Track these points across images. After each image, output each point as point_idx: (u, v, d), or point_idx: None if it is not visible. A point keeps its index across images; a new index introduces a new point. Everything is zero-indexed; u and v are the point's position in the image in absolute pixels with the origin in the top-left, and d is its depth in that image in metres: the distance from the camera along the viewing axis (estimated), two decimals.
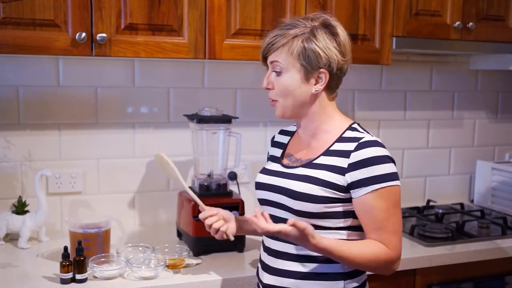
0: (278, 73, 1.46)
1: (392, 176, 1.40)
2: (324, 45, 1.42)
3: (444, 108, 2.81)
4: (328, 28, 1.45)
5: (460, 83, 2.82)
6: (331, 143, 1.47)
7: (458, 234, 2.25)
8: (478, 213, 2.54)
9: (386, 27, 2.20)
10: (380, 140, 1.44)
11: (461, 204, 2.71)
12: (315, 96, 1.47)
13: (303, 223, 1.33)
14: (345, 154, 1.42)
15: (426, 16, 2.27)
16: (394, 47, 2.23)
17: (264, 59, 1.50)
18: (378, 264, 1.41)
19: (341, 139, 1.46)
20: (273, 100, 1.49)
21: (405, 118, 2.74)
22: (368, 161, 1.39)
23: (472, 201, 2.87)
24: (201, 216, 1.49)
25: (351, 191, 1.41)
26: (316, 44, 1.42)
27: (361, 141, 1.42)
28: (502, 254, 2.16)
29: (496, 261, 2.15)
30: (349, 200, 1.43)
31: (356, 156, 1.40)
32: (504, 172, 2.69)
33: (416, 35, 2.26)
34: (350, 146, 1.42)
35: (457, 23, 2.30)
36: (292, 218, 1.35)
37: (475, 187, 2.85)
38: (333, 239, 1.40)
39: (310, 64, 1.42)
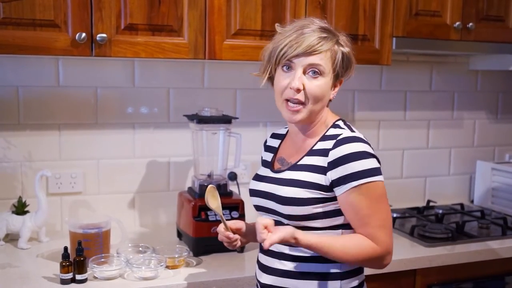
0: (315, 76, 1.41)
1: (372, 172, 1.38)
2: (352, 53, 1.48)
3: (444, 109, 2.81)
4: (346, 36, 1.49)
5: (460, 83, 2.82)
6: (315, 142, 1.47)
7: (458, 235, 2.24)
8: (478, 214, 2.54)
9: (386, 27, 2.20)
10: (360, 136, 1.43)
11: (461, 205, 2.70)
12: (328, 102, 1.50)
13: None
14: (325, 152, 1.41)
15: (426, 16, 2.27)
16: (394, 47, 2.23)
17: (289, 58, 1.41)
18: (364, 258, 1.40)
19: (323, 138, 1.46)
20: (299, 103, 1.42)
21: (405, 118, 2.74)
22: (345, 158, 1.37)
23: (472, 201, 2.87)
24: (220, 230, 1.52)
25: (334, 189, 1.40)
26: (349, 52, 1.47)
27: (338, 138, 1.41)
28: (502, 255, 2.16)
29: (496, 261, 2.15)
30: (335, 199, 1.42)
31: (334, 154, 1.39)
32: (504, 173, 2.69)
33: (416, 36, 2.26)
34: (329, 144, 1.42)
35: (457, 23, 2.30)
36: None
37: (475, 187, 2.84)
38: (317, 236, 1.39)
39: (341, 72, 1.46)
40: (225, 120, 2.09)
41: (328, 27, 1.46)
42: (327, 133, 1.46)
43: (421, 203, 2.75)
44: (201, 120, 2.06)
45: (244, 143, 2.14)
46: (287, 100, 1.43)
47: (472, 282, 2.15)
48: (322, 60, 1.41)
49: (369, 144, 1.42)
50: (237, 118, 2.15)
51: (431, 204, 2.71)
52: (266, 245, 1.32)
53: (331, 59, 1.42)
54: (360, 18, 2.16)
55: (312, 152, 1.45)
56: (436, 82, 2.78)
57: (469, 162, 2.88)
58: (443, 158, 2.84)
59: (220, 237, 1.53)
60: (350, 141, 1.40)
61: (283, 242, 1.37)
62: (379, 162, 1.42)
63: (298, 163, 1.46)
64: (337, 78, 1.46)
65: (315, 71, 1.41)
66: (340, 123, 1.49)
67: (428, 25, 2.28)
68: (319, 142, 1.46)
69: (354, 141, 1.40)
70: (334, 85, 1.47)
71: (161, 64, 2.28)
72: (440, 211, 2.54)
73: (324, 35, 1.42)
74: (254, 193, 1.55)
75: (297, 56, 1.40)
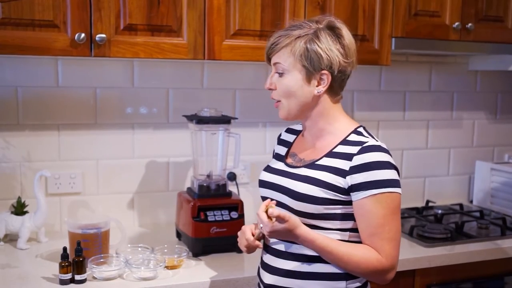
0: (281, 74, 1.46)
1: (393, 183, 1.39)
2: (326, 47, 1.42)
3: (443, 109, 2.81)
4: (333, 30, 1.45)
5: (459, 83, 2.82)
6: (335, 145, 1.47)
7: (457, 235, 2.25)
8: (477, 214, 2.54)
9: (385, 27, 2.20)
10: (384, 146, 1.44)
11: (460, 205, 2.71)
12: (317, 98, 1.48)
13: (287, 214, 1.37)
14: (348, 156, 1.42)
15: (425, 16, 2.27)
16: (393, 47, 2.23)
17: (269, 59, 1.51)
18: (368, 269, 1.40)
19: (345, 142, 1.46)
20: (277, 101, 1.50)
21: (404, 118, 2.74)
22: (370, 165, 1.39)
23: (471, 201, 2.87)
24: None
25: (351, 193, 1.41)
26: (318, 45, 1.42)
27: (364, 145, 1.42)
28: (501, 255, 2.16)
29: (495, 261, 2.15)
30: (350, 203, 1.42)
31: (358, 160, 1.40)
32: (503, 173, 2.69)
33: (415, 36, 2.26)
34: (354, 149, 1.42)
35: (456, 23, 2.30)
36: (275, 209, 1.36)
37: (474, 187, 2.85)
38: (323, 235, 1.41)
39: (311, 65, 1.43)
40: (224, 120, 2.09)
41: (300, 24, 1.45)
42: (349, 138, 1.47)
43: (420, 203, 2.75)
44: (200, 120, 2.06)
45: (243, 144, 2.14)
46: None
47: (471, 282, 2.15)
48: (281, 57, 1.45)
49: (391, 155, 1.44)
50: (236, 118, 2.15)
51: (430, 204, 2.72)
52: (271, 212, 1.36)
53: (291, 55, 1.43)
54: (360, 18, 2.16)
55: (332, 154, 1.46)
56: (436, 82, 2.78)
57: (468, 162, 2.88)
58: (442, 158, 2.84)
59: (244, 241, 1.52)
60: (376, 150, 1.41)
61: (285, 233, 1.38)
62: (399, 174, 1.43)
63: (317, 163, 1.47)
64: (310, 72, 1.43)
65: (279, 71, 1.47)
66: (363, 130, 1.50)
67: (427, 25, 2.28)
68: (340, 146, 1.46)
69: (379, 150, 1.41)
70: (317, 80, 1.45)
71: (161, 65, 2.28)
72: (439, 211, 2.55)
73: (285, 33, 1.45)
74: (265, 184, 1.55)
75: (267, 57, 1.50)
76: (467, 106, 2.86)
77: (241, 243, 1.54)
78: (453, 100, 2.83)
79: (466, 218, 2.51)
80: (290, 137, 1.65)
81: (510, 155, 2.92)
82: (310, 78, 1.45)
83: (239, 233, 1.57)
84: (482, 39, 2.38)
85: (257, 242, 1.50)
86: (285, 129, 1.70)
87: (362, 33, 2.16)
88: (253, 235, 1.51)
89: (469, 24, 2.32)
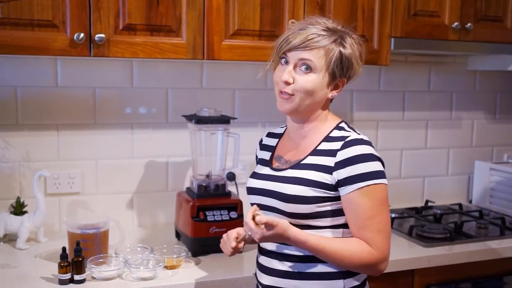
0: (306, 72, 1.43)
1: (378, 174, 1.40)
2: (356, 57, 1.46)
3: (443, 109, 2.82)
4: (355, 38, 1.48)
5: (458, 83, 2.82)
6: (318, 142, 1.48)
7: (457, 235, 2.25)
8: (477, 214, 2.54)
9: (384, 27, 2.20)
10: (366, 138, 1.45)
11: (460, 205, 2.71)
12: (327, 101, 1.50)
13: (275, 219, 1.36)
14: (332, 153, 1.42)
15: (424, 16, 2.28)
16: (392, 47, 2.23)
17: (283, 51, 1.44)
18: (360, 262, 1.40)
19: (328, 139, 1.47)
20: (288, 94, 1.44)
21: (404, 118, 2.74)
22: (354, 159, 1.39)
23: (470, 201, 2.87)
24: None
25: (339, 188, 1.41)
26: (351, 54, 1.45)
27: (347, 139, 1.43)
28: (500, 255, 2.16)
29: (495, 261, 2.16)
30: (339, 198, 1.43)
31: (342, 155, 1.41)
32: (502, 173, 2.69)
33: (414, 36, 2.26)
34: (337, 145, 1.43)
35: (455, 23, 2.30)
36: (263, 216, 1.36)
37: (473, 187, 2.85)
38: (314, 234, 1.40)
39: (340, 72, 1.45)
40: (224, 120, 2.09)
41: (332, 27, 1.45)
42: (332, 134, 1.47)
43: (420, 203, 2.75)
44: (200, 120, 2.06)
45: (242, 144, 2.14)
46: (281, 92, 1.46)
47: (470, 282, 2.15)
48: (314, 56, 1.42)
49: (374, 147, 1.44)
50: (235, 118, 2.15)
51: (429, 204, 2.72)
52: (259, 220, 1.35)
53: (325, 56, 1.42)
54: (359, 18, 2.16)
55: (316, 152, 1.46)
56: (435, 82, 2.78)
57: (468, 162, 2.88)
58: (441, 158, 2.84)
59: (228, 245, 1.49)
60: (359, 143, 1.42)
61: (276, 237, 1.38)
62: (383, 165, 1.44)
63: (302, 162, 1.47)
64: (334, 77, 1.46)
65: (306, 66, 1.42)
66: (344, 125, 1.51)
67: (427, 25, 2.28)
68: (323, 143, 1.47)
69: (362, 143, 1.42)
70: (334, 85, 1.48)
71: (160, 64, 2.28)
72: (439, 211, 2.55)
73: (323, 33, 1.43)
74: (253, 191, 1.55)
75: (290, 50, 1.43)
76: (466, 106, 2.86)
77: (226, 248, 1.50)
78: (452, 100, 2.83)
79: (465, 218, 2.51)
80: (272, 141, 1.64)
81: (509, 155, 2.93)
82: (331, 82, 1.46)
83: (224, 235, 1.52)
84: (481, 39, 2.38)
85: (240, 245, 1.48)
86: (265, 134, 1.69)
87: (361, 33, 2.16)
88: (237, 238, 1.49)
89: (468, 24, 2.32)
